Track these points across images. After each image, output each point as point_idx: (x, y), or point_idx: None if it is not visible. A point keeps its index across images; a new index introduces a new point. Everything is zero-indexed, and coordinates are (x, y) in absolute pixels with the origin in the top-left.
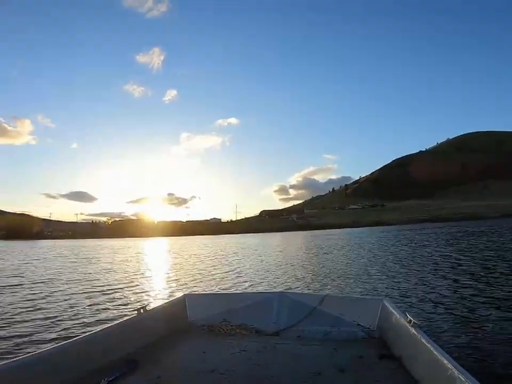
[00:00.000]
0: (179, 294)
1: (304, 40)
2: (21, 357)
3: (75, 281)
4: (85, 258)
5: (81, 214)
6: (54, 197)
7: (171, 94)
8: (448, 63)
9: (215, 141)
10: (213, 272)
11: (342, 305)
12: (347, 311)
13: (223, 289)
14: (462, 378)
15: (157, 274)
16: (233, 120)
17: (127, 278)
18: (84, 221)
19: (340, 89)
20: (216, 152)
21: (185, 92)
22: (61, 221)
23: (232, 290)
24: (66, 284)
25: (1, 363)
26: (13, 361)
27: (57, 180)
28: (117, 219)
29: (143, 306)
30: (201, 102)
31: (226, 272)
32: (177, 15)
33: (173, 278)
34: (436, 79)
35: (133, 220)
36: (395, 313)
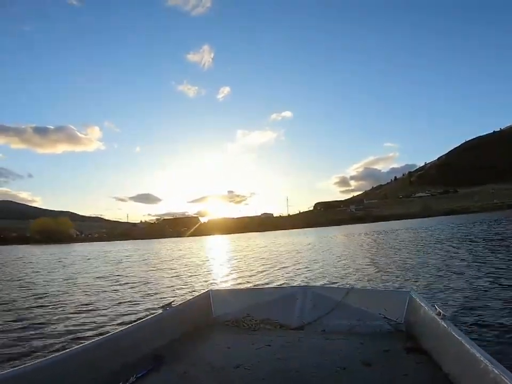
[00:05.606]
0: (204, 290)
1: (358, 28)
2: (52, 355)
3: None
4: None
5: (149, 215)
6: (123, 200)
7: (224, 91)
8: None
9: (270, 136)
10: None
11: (367, 298)
12: (373, 304)
13: None
14: (497, 372)
15: None
16: (287, 114)
17: None
18: (135, 221)
19: (397, 73)
20: (271, 147)
21: (237, 88)
22: (110, 220)
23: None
24: None
25: (34, 361)
26: (45, 359)
27: (125, 183)
28: (167, 218)
29: (169, 303)
30: (254, 97)
31: None
32: (223, 10)
33: None
34: (506, 51)
35: (180, 218)
36: (423, 305)
